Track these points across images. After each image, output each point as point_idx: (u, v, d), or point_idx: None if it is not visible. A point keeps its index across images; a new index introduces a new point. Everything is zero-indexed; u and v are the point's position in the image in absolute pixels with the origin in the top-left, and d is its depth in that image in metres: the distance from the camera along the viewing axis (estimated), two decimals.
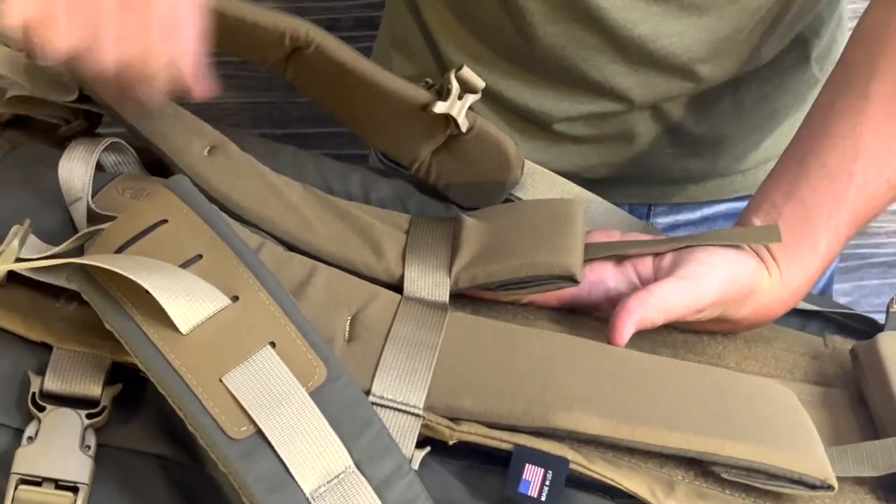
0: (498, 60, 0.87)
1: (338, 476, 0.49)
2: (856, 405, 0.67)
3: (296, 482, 0.48)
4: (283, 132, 1.18)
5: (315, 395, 0.50)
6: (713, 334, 0.71)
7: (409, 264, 0.65)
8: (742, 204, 0.81)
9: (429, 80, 0.75)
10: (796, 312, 0.75)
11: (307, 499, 0.48)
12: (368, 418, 0.51)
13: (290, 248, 0.64)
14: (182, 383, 0.49)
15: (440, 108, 0.72)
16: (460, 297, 0.66)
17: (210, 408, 0.49)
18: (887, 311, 0.75)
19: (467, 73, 0.72)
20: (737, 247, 0.68)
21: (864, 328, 0.76)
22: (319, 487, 0.48)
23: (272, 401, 0.49)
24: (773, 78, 0.89)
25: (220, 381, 0.49)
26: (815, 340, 0.74)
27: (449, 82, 0.72)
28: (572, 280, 0.64)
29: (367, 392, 0.55)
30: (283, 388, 0.50)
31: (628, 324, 0.63)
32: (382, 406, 0.55)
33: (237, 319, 0.51)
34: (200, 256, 0.53)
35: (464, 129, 0.73)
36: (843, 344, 0.73)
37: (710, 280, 0.65)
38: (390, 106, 0.74)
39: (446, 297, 0.64)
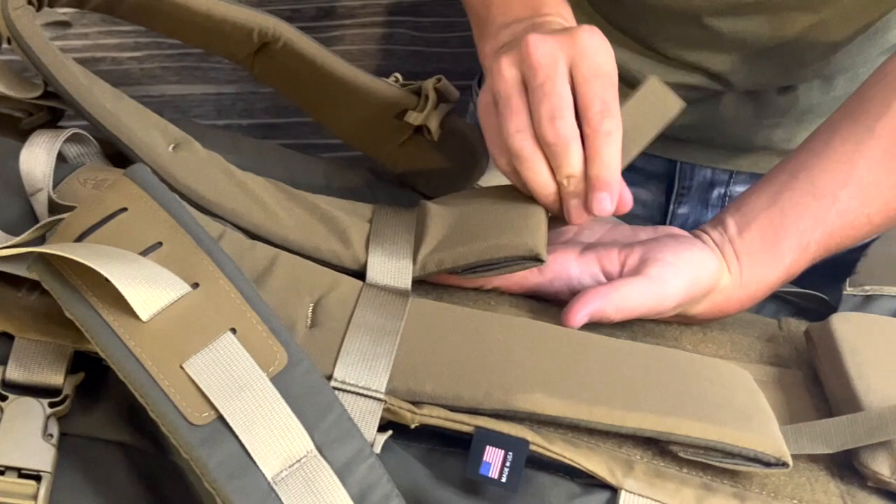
0: (601, 23, 0.87)
1: (299, 460, 0.48)
2: (810, 385, 0.68)
3: (257, 467, 0.47)
4: (248, 122, 1.17)
5: (276, 380, 0.49)
6: (670, 320, 0.71)
7: (373, 252, 0.64)
8: None
9: (398, 76, 0.75)
10: None
11: (269, 483, 0.47)
12: (329, 402, 0.50)
13: (257, 239, 0.63)
14: (142, 370, 0.48)
15: (415, 118, 0.73)
16: (423, 284, 0.66)
17: (171, 394, 0.48)
18: (842, 293, 0.75)
19: (445, 84, 0.72)
20: (701, 244, 0.68)
21: (819, 309, 0.76)
22: (281, 472, 0.48)
23: (233, 386, 0.48)
24: (866, 67, 0.89)
25: (181, 367, 0.49)
26: (771, 323, 0.74)
27: (427, 92, 0.72)
28: (537, 260, 0.63)
29: (329, 377, 0.54)
30: (243, 374, 0.49)
31: (582, 313, 0.63)
32: (344, 391, 0.54)
33: (197, 306, 0.50)
34: (160, 244, 0.52)
35: (436, 138, 0.73)
36: (798, 326, 0.74)
37: (675, 283, 0.65)
38: (359, 103, 0.74)
39: (409, 284, 0.64)
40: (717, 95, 0.89)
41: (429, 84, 0.73)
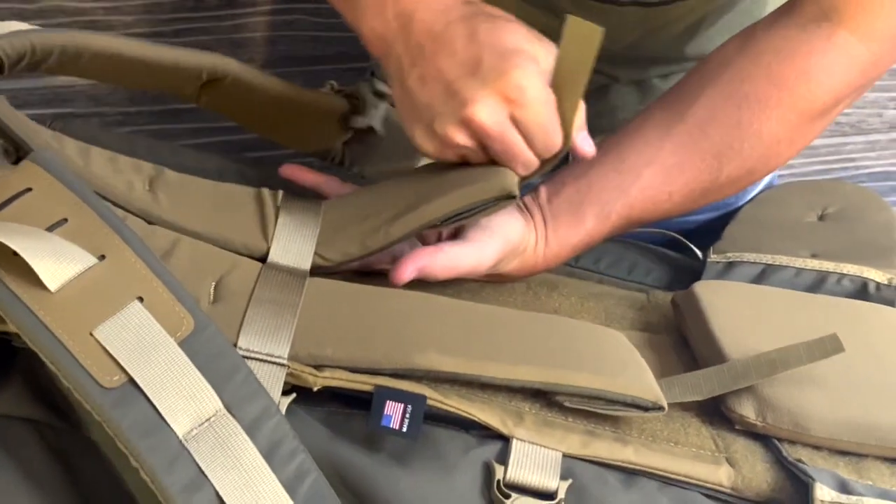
0: None
1: (209, 419, 0.48)
2: (678, 348, 0.70)
3: (168, 426, 0.47)
4: (160, 108, 1.14)
5: (183, 344, 0.49)
6: (550, 293, 0.73)
7: (277, 238, 0.64)
8: None
9: (333, 84, 0.76)
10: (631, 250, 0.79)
11: (180, 441, 0.47)
12: (236, 364, 0.50)
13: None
14: (53, 338, 0.47)
15: (360, 122, 0.74)
16: (319, 274, 0.66)
17: (82, 359, 0.47)
18: (705, 261, 0.78)
19: (381, 85, 0.74)
20: (511, 208, 0.70)
21: (683, 278, 0.79)
22: (192, 430, 0.47)
23: (142, 351, 0.48)
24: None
25: (91, 334, 0.48)
26: (640, 296, 0.77)
27: (364, 95, 0.74)
28: (511, 197, 0.64)
29: (234, 346, 0.54)
30: (152, 339, 0.48)
31: (411, 267, 0.64)
32: (248, 358, 0.54)
33: (105, 277, 0.50)
34: (66, 220, 0.51)
35: (382, 134, 0.74)
36: (665, 297, 0.76)
37: (492, 245, 0.67)
38: (305, 118, 0.75)
39: (307, 266, 0.64)
40: (605, 87, 0.91)
41: (364, 88, 0.75)
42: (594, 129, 0.93)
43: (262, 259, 0.63)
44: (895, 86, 1.44)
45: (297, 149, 0.80)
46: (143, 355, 0.48)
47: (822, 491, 0.55)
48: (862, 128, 1.47)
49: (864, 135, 1.47)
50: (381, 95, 0.75)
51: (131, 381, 0.47)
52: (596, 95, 0.91)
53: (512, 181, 0.65)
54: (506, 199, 0.65)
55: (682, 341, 0.70)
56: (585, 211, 0.71)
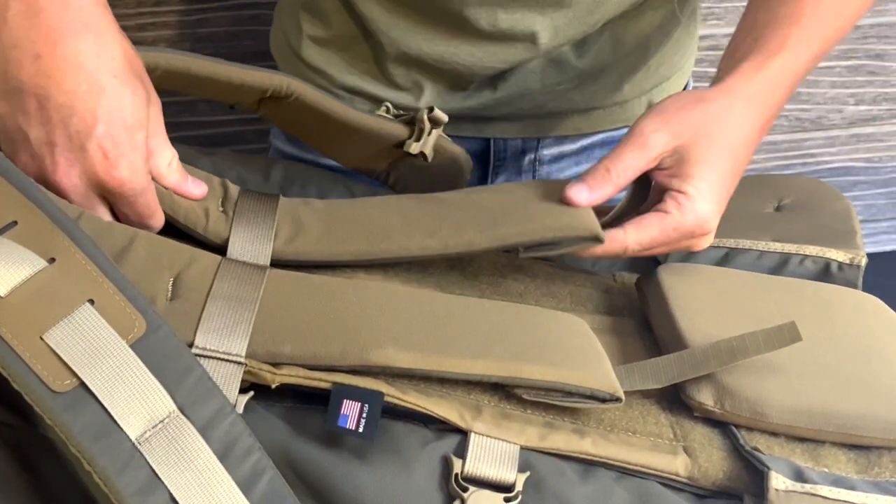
0: (413, 16, 0.86)
1: (162, 421, 0.47)
2: (642, 331, 0.70)
3: (121, 429, 0.47)
4: None
5: (135, 346, 0.48)
6: (516, 273, 0.72)
7: (235, 231, 0.64)
8: (620, 133, 0.87)
9: (388, 105, 0.77)
10: None
11: (133, 444, 0.47)
12: (189, 365, 0.49)
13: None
14: (3, 343, 0.47)
15: (415, 147, 0.75)
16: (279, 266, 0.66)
17: (32, 364, 0.47)
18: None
19: (438, 113, 0.74)
20: None
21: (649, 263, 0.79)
22: (145, 432, 0.47)
23: (93, 354, 0.47)
24: (645, 16, 0.90)
25: (41, 338, 0.47)
26: (606, 277, 0.77)
27: (422, 122, 0.75)
28: (597, 240, 0.66)
29: (191, 345, 0.54)
30: (103, 342, 0.48)
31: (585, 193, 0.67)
32: (205, 357, 0.53)
33: (55, 280, 0.49)
34: (15, 223, 0.51)
35: (430, 160, 0.76)
36: (631, 279, 0.76)
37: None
38: (361, 140, 0.76)
39: (267, 261, 0.63)
40: (524, 67, 0.90)
41: (422, 114, 0.75)
42: (510, 116, 0.93)
43: (221, 247, 0.63)
44: (854, 82, 1.45)
45: (343, 164, 0.82)
46: (94, 358, 0.47)
47: (777, 480, 0.55)
48: (822, 124, 1.48)
49: (823, 130, 1.48)
50: (436, 123, 0.76)
51: (82, 384, 0.47)
52: (514, 76, 0.90)
53: (594, 222, 0.67)
54: (591, 240, 0.66)
55: (646, 325, 0.70)
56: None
